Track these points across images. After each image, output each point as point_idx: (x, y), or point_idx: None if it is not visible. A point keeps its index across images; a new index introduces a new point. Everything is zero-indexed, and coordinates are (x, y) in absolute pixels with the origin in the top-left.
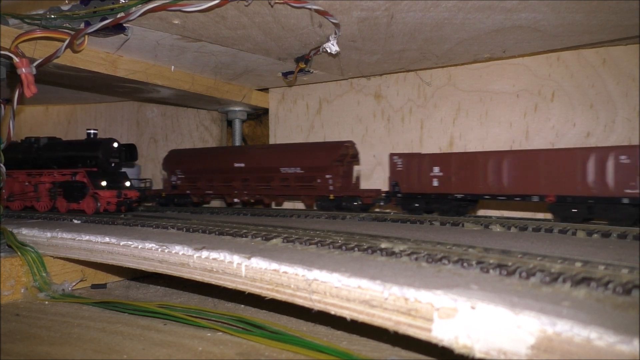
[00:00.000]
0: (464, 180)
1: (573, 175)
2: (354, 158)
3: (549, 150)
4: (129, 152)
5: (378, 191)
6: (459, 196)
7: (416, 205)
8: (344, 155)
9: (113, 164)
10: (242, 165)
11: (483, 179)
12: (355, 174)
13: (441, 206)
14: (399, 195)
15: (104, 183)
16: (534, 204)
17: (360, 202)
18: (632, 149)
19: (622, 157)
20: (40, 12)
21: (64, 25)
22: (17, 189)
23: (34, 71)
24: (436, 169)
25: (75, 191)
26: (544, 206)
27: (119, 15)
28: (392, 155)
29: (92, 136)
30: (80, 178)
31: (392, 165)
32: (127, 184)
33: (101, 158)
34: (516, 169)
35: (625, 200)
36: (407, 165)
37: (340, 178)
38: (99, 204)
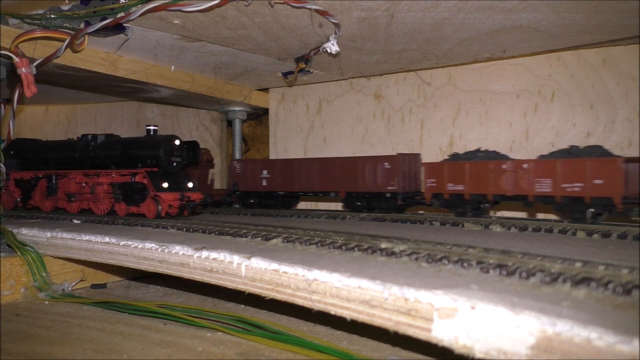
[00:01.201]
0: (285, 181)
1: (355, 177)
2: (209, 162)
3: (341, 158)
4: (191, 151)
5: (225, 190)
6: (282, 193)
7: (251, 201)
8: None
9: (175, 164)
10: None
11: (298, 179)
12: (210, 176)
13: (269, 202)
14: (237, 193)
15: (165, 185)
16: (332, 198)
17: (211, 199)
18: (392, 158)
19: (386, 164)
20: (40, 12)
21: (64, 25)
22: (74, 190)
23: (34, 71)
24: (265, 172)
25: (135, 193)
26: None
27: (119, 15)
28: (231, 161)
29: (151, 133)
30: (139, 179)
31: (232, 169)
32: (190, 185)
33: (162, 157)
34: (320, 172)
35: (388, 195)
36: (244, 169)
37: (196, 179)
38: (160, 208)
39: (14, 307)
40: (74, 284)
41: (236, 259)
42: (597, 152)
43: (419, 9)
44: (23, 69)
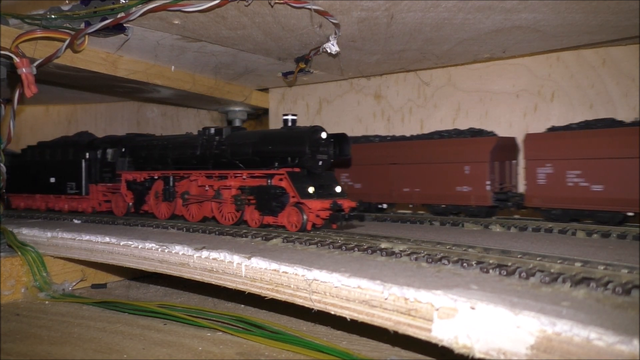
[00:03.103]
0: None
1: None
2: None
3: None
4: (338, 146)
5: None
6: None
7: None
8: None
9: (320, 162)
10: None
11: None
12: None
13: None
14: None
15: (311, 189)
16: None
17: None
18: None
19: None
20: (41, 12)
21: (64, 25)
22: (193, 193)
23: (34, 71)
24: None
25: (273, 200)
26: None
27: (119, 15)
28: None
29: (289, 124)
30: (276, 182)
31: None
32: (338, 189)
33: (308, 154)
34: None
35: None
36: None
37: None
38: (305, 218)
39: (14, 307)
40: (74, 283)
41: (236, 258)
42: None
43: (419, 9)
44: (23, 69)
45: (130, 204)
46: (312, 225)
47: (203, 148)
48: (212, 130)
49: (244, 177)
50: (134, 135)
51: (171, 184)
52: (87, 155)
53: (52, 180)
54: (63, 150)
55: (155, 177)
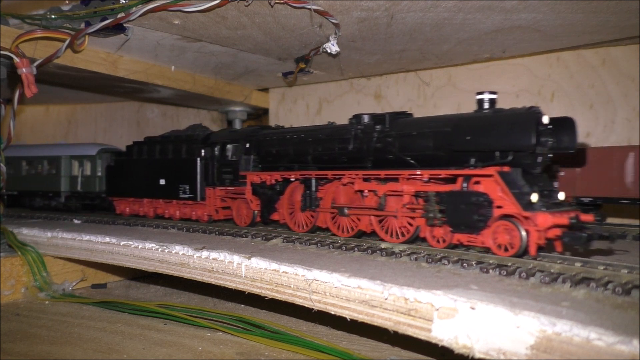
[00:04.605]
0: None
1: None
2: None
3: None
4: (565, 135)
5: None
6: None
7: None
8: None
9: (539, 158)
10: None
11: None
12: None
13: None
14: None
15: (534, 197)
16: None
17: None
18: None
19: None
20: (41, 12)
21: (65, 25)
22: (344, 200)
23: (35, 71)
24: None
25: (474, 212)
26: None
27: (119, 16)
28: None
29: (487, 106)
30: (472, 186)
31: None
32: (561, 196)
33: (531, 147)
34: None
35: None
36: None
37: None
38: (523, 237)
39: (14, 306)
40: (74, 283)
41: (236, 259)
42: None
43: (419, 9)
44: (23, 69)
45: (256, 211)
46: (537, 248)
47: (358, 141)
48: (368, 118)
49: (425, 178)
50: (258, 128)
51: (313, 188)
52: (203, 152)
53: (162, 182)
54: (175, 147)
55: (291, 179)
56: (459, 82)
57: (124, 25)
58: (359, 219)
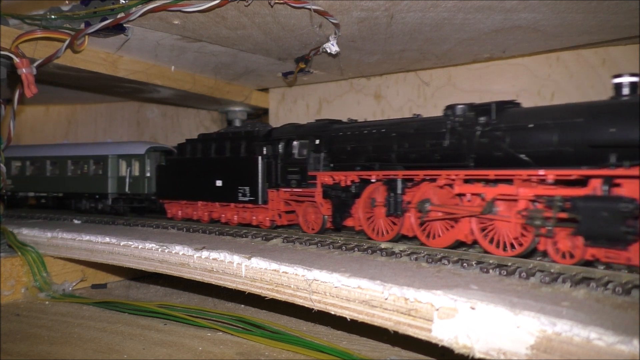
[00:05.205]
0: None
1: None
2: None
3: None
4: None
5: None
6: None
7: None
8: None
9: None
10: None
11: None
12: None
13: None
14: None
15: None
16: None
17: None
18: None
19: None
20: (41, 12)
21: (64, 25)
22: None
23: (35, 71)
24: None
25: (619, 222)
26: None
27: (119, 16)
28: None
29: (627, 91)
30: (629, 191)
31: None
32: None
33: None
34: None
35: None
36: None
37: None
38: None
39: (14, 307)
40: (74, 284)
41: (236, 259)
42: None
43: (419, 9)
44: (23, 69)
45: (326, 216)
46: None
47: (456, 136)
48: (468, 109)
49: (548, 180)
50: (328, 122)
51: (399, 190)
52: (265, 150)
53: (219, 183)
54: (232, 145)
55: (372, 180)
56: (459, 82)
57: (124, 25)
58: (452, 226)
